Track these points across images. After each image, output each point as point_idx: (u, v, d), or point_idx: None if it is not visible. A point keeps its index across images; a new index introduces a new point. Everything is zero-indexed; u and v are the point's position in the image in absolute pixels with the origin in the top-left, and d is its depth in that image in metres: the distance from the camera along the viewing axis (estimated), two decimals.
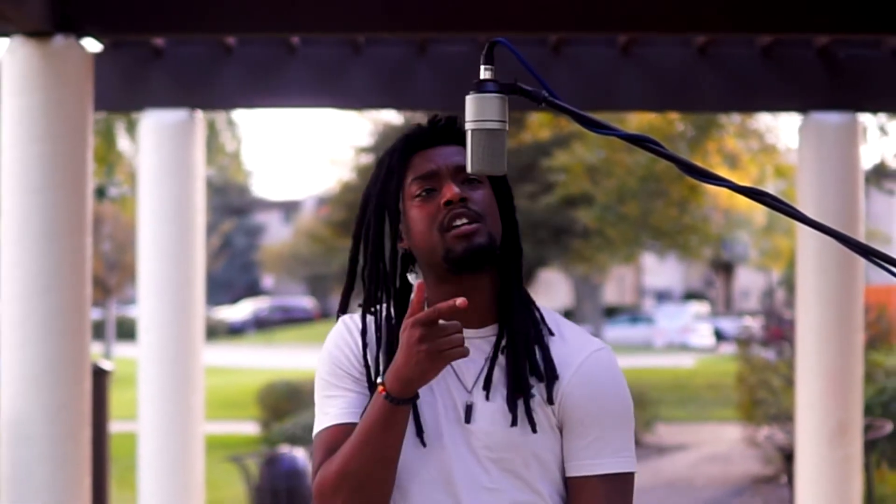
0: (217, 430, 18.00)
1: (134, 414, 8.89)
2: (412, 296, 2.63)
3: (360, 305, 2.86)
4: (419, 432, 2.73)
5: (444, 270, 2.75)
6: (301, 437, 12.49)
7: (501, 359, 2.75)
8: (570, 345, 2.79)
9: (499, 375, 2.74)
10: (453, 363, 2.71)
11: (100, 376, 8.08)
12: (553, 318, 2.83)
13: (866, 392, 12.18)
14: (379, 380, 2.69)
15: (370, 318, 2.83)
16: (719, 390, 25.30)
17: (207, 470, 9.24)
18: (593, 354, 2.78)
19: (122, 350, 37.16)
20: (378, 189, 2.82)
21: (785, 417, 13.97)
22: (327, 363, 2.81)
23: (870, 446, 9.52)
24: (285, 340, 50.49)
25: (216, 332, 50.31)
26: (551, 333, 2.79)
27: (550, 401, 2.73)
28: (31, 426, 6.35)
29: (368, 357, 2.78)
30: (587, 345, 2.80)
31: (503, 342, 2.76)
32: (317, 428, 2.79)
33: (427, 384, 2.66)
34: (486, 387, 2.73)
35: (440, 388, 2.75)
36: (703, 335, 46.87)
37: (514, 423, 2.71)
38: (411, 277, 2.85)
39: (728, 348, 37.77)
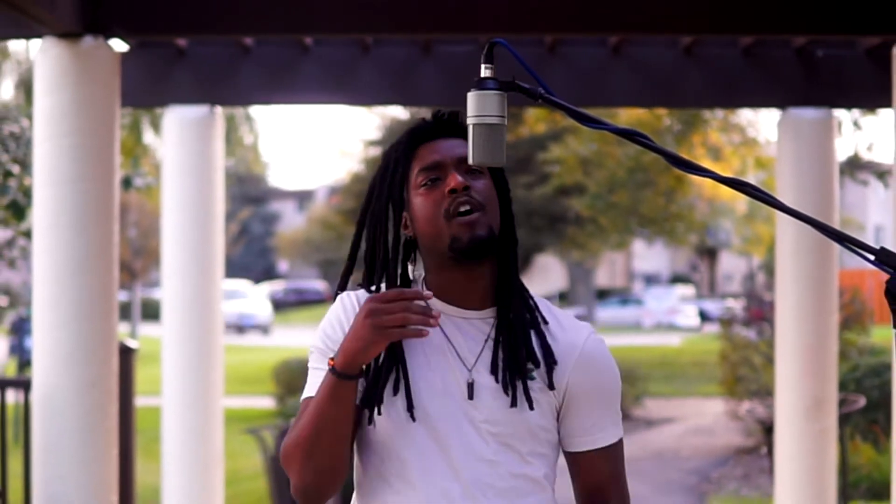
0: (235, 404, 18.01)
1: (158, 389, 8.90)
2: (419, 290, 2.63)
3: (359, 285, 2.85)
4: (409, 407, 2.71)
5: (446, 258, 2.75)
6: None
7: (500, 339, 2.75)
8: (567, 331, 2.81)
9: (499, 355, 2.74)
10: (454, 342, 2.74)
11: (126, 354, 8.07)
12: (545, 306, 2.84)
13: (841, 369, 12.20)
14: (331, 355, 2.67)
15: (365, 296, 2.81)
16: (704, 367, 25.32)
17: (226, 441, 9.24)
18: (590, 338, 2.81)
19: (146, 330, 37.18)
20: (385, 179, 2.81)
21: (765, 392, 13.98)
22: (319, 337, 2.80)
23: (844, 420, 9.52)
24: (299, 321, 50.50)
25: None
26: (545, 321, 2.80)
27: (552, 386, 2.74)
28: (63, 400, 6.36)
29: None
30: (582, 329, 2.83)
31: (502, 324, 2.76)
32: (302, 396, 2.79)
33: (423, 363, 2.70)
34: (494, 369, 2.72)
35: (440, 365, 2.73)
36: (688, 316, 46.88)
37: (513, 403, 2.70)
38: (410, 269, 2.84)
39: (712, 328, 37.74)
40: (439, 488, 2.71)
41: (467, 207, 2.71)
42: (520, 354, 2.72)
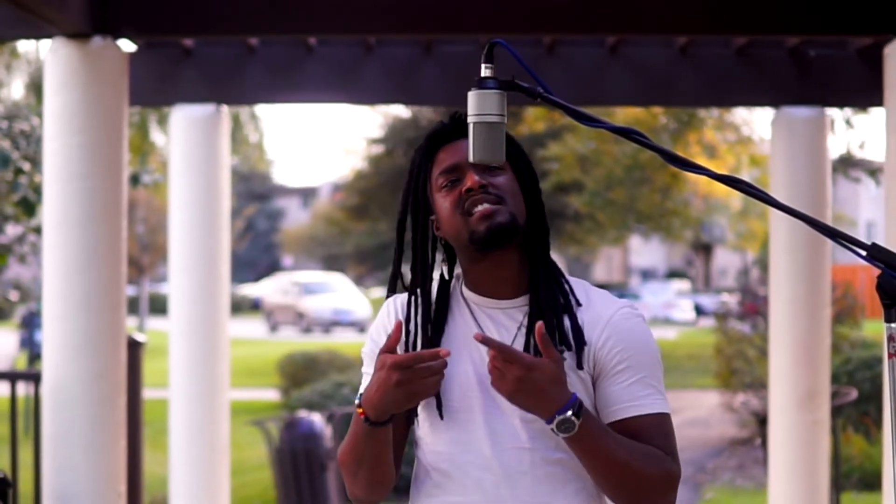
0: (241, 396, 18.01)
1: (165, 382, 8.90)
2: (392, 332, 2.67)
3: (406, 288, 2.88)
4: (438, 405, 2.75)
5: (472, 251, 2.76)
6: (318, 403, 12.45)
7: (532, 326, 2.73)
8: (596, 307, 2.77)
9: (530, 342, 2.72)
10: (486, 332, 2.74)
11: (134, 347, 8.07)
12: (582, 288, 2.82)
13: (833, 362, 12.17)
14: (357, 401, 2.70)
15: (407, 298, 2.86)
16: (699, 360, 25.28)
17: (232, 433, 9.25)
18: (619, 310, 2.76)
19: (154, 324, 37.18)
20: (410, 185, 2.85)
21: (759, 385, 13.98)
22: (368, 342, 2.88)
23: (836, 411, 9.52)
24: None
25: (240, 307, 50.25)
26: (579, 304, 2.77)
27: (580, 366, 2.71)
28: (72, 392, 6.36)
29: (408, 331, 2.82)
30: (614, 303, 2.78)
31: (534, 310, 2.75)
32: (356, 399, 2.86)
33: (457, 355, 2.72)
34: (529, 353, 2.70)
35: (472, 356, 2.75)
36: (684, 310, 46.85)
37: None
38: (443, 270, 2.87)
39: (707, 322, 37.72)
40: (473, 478, 2.73)
41: (484, 205, 2.72)
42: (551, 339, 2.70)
